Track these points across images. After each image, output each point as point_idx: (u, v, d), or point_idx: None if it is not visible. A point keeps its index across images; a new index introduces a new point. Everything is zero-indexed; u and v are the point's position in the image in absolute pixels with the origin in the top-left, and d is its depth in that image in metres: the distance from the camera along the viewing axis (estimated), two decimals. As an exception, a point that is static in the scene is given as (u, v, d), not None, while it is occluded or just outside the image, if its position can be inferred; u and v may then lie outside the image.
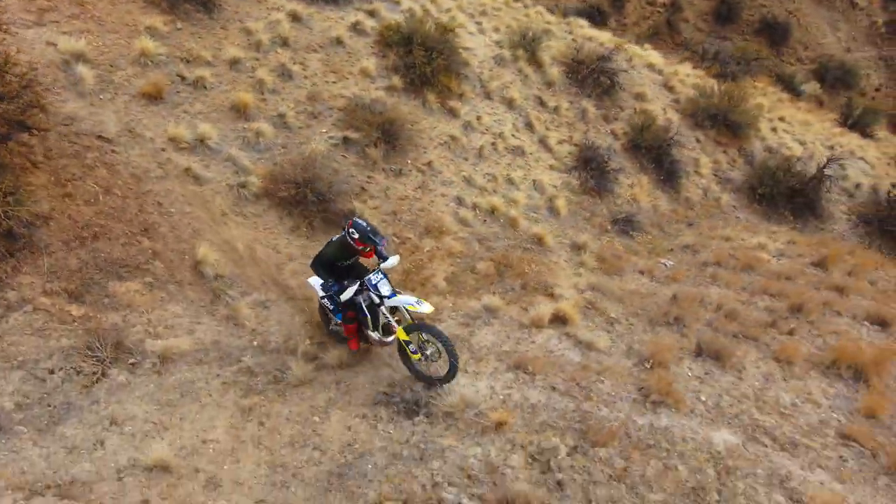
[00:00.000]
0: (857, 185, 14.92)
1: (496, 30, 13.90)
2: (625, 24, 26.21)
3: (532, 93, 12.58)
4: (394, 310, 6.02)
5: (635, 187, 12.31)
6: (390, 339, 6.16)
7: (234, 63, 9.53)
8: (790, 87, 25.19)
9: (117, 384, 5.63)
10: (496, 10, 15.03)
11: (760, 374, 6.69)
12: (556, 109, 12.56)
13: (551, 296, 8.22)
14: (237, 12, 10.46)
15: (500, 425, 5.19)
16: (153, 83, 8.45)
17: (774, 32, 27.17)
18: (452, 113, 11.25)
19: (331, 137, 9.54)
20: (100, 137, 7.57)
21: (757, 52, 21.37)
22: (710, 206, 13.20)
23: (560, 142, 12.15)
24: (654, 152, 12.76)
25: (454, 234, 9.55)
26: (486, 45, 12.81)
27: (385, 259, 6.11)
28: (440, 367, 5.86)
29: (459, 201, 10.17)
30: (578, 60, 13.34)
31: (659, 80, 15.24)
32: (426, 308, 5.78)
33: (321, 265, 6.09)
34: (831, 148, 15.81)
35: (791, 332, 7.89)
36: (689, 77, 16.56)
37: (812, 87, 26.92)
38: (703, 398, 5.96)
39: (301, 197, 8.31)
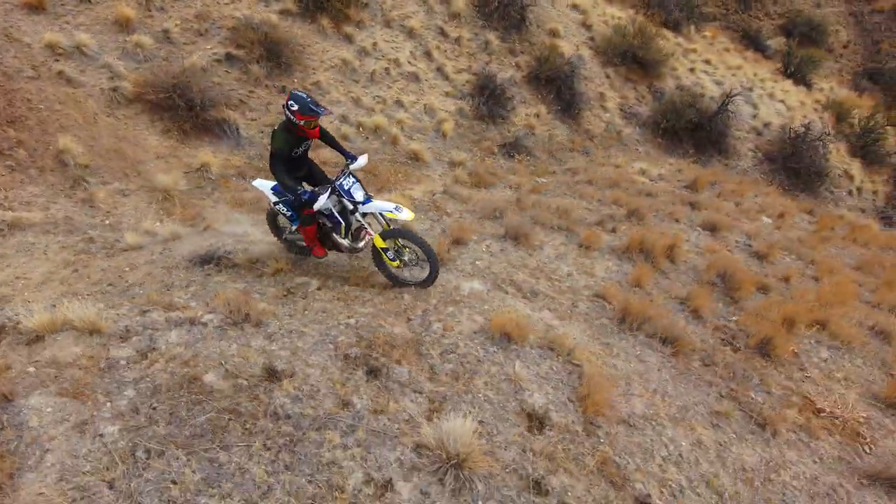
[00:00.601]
0: (767, 125, 15.32)
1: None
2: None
3: (435, 23, 13.04)
4: (364, 213, 5.52)
5: (531, 117, 12.85)
6: (362, 244, 5.78)
7: (123, -19, 10.12)
8: (755, 42, 25.27)
9: (-43, 239, 6.46)
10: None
11: (555, 253, 7.39)
12: (457, 40, 13.05)
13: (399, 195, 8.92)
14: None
15: (277, 272, 5.96)
16: (36, -6, 9.10)
17: (743, -15, 27.05)
18: (348, 38, 11.79)
19: (214, 53, 10.17)
20: (-26, 39, 8.28)
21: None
22: (610, 139, 13.72)
23: (458, 71, 12.67)
24: (555, 84, 13.25)
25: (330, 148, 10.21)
26: (391, -24, 13.22)
27: (354, 159, 5.56)
28: (419, 272, 5.62)
29: (344, 119, 10.81)
30: (487, -6, 13.74)
31: (578, 18, 15.59)
32: (406, 215, 5.28)
33: (281, 168, 5.19)
34: (749, 90, 16.14)
35: (614, 230, 8.55)
36: (620, 20, 16.83)
37: (778, 42, 26.86)
38: (478, 263, 6.67)
39: (171, 102, 9.01)
